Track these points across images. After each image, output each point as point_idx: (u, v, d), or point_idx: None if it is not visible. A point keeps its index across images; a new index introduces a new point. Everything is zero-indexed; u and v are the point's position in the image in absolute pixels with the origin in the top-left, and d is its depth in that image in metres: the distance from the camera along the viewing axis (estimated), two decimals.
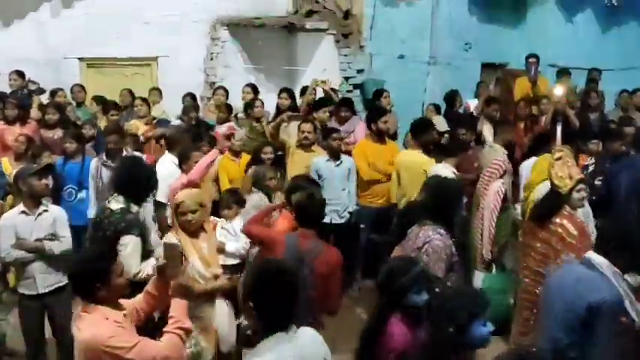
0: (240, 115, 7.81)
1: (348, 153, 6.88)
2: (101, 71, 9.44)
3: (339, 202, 6.47)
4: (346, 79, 9.14)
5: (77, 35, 9.01)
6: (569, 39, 10.38)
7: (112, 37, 9.02)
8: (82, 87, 8.51)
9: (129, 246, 4.22)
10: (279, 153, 6.77)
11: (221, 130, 7.45)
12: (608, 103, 9.27)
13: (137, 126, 7.47)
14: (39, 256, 4.71)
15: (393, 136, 7.81)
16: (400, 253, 4.11)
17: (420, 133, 6.42)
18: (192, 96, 8.42)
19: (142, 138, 7.29)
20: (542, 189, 5.03)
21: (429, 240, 3.95)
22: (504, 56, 10.40)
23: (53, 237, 4.76)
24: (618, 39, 10.63)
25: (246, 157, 6.58)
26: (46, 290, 4.78)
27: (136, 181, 4.48)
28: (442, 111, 8.60)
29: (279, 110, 7.62)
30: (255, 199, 5.44)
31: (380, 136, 6.79)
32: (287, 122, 7.03)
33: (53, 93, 8.16)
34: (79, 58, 9.29)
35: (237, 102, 8.14)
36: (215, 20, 9.41)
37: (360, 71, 9.32)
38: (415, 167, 6.14)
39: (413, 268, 3.32)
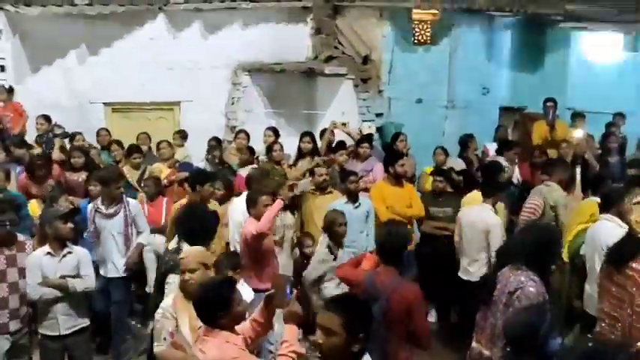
0: (262, 157, 7.91)
1: (367, 190, 6.95)
2: (126, 115, 9.69)
3: (358, 245, 6.49)
4: (365, 122, 9.25)
5: (103, 81, 9.27)
6: (587, 83, 10.43)
7: (136, 83, 9.28)
8: (108, 131, 8.68)
9: (173, 285, 4.33)
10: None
11: (243, 173, 7.56)
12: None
13: (160, 169, 7.57)
14: (64, 294, 4.80)
15: (411, 179, 7.85)
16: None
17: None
18: (217, 139, 8.52)
19: (165, 181, 7.38)
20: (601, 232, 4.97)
21: (522, 286, 3.86)
22: (522, 100, 10.46)
23: (77, 277, 4.88)
24: (636, 83, 10.66)
25: None
26: (68, 332, 4.89)
27: (195, 226, 4.62)
28: (455, 154, 8.58)
29: (300, 153, 7.72)
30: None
31: (397, 179, 6.83)
32: (322, 166, 7.09)
33: (72, 137, 8.29)
34: (104, 103, 9.54)
35: (257, 145, 8.27)
36: (236, 66, 9.65)
37: (378, 115, 9.46)
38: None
39: (546, 314, 3.28)
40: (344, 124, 8.26)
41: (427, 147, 8.48)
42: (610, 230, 4.75)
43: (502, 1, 10.01)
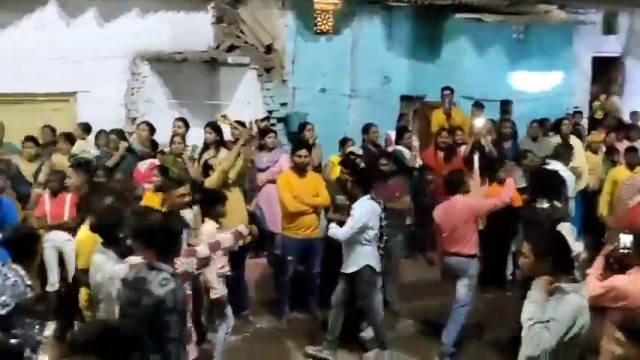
0: (167, 149, 7.72)
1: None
2: (16, 108, 9.11)
3: None
4: (270, 112, 9.23)
5: None
6: (481, 72, 10.86)
7: (27, 73, 8.71)
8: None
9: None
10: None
11: (143, 167, 7.32)
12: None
13: (62, 163, 7.23)
14: None
15: (318, 168, 7.92)
16: None
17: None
18: (119, 131, 8.21)
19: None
20: None
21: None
22: (421, 89, 10.76)
23: None
24: (526, 71, 11.23)
25: None
26: None
27: None
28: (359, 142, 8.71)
29: (206, 145, 7.55)
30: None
31: (299, 169, 6.87)
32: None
33: None
34: None
35: (160, 137, 8.04)
36: (136, 55, 9.34)
37: (283, 105, 9.46)
38: None
39: None
40: (224, 117, 7.80)
41: (332, 136, 8.59)
42: None
43: None
